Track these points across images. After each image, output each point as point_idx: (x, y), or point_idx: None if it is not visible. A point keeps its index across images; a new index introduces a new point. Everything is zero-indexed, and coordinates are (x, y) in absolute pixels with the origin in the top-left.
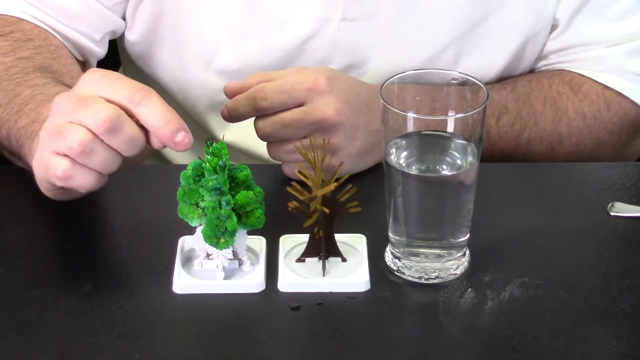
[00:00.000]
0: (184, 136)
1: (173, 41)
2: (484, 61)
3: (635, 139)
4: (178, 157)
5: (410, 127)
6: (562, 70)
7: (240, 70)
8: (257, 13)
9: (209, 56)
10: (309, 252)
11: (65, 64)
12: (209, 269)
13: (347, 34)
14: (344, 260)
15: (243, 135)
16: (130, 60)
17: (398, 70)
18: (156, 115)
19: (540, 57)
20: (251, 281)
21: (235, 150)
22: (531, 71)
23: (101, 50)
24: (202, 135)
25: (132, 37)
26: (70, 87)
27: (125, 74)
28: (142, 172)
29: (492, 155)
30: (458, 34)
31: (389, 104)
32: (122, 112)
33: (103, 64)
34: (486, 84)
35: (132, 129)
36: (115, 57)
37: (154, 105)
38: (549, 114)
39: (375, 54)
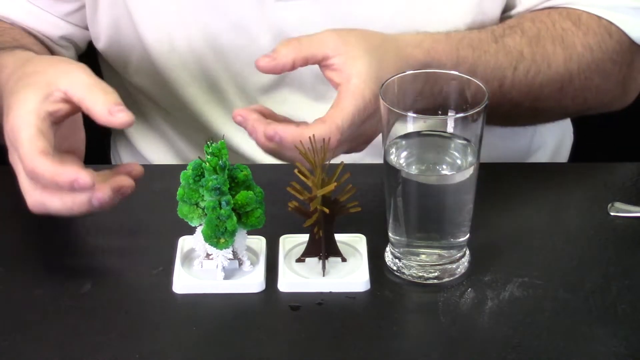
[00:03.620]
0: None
1: (138, 45)
2: (442, 24)
3: (632, 69)
4: (191, 145)
5: (410, 127)
6: (555, 7)
7: (204, 54)
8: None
9: (169, 49)
10: (309, 252)
11: (10, 36)
12: (209, 269)
13: (287, 15)
14: (344, 260)
15: (240, 135)
16: (111, 70)
17: None
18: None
19: (525, 8)
20: (251, 281)
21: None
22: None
23: (64, 51)
24: (200, 130)
25: (101, 47)
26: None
27: (108, 82)
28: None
29: (499, 105)
30: (407, 1)
31: (389, 104)
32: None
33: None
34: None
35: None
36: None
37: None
38: (560, 53)
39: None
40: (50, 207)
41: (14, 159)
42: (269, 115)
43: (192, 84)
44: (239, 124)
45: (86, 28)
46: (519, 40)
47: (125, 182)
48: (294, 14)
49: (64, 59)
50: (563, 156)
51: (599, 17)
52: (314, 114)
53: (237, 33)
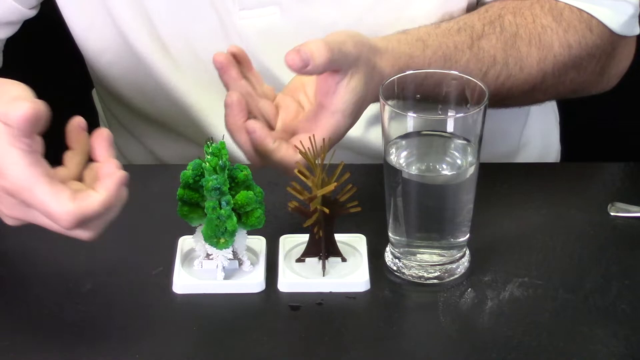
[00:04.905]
0: None
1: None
2: (409, 24)
3: (613, 59)
4: (177, 157)
5: (410, 127)
6: None
7: (182, 62)
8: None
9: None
10: (309, 252)
11: None
12: (209, 269)
13: (251, 24)
14: (344, 260)
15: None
16: (100, 83)
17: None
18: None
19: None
20: (251, 281)
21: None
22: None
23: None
24: (182, 141)
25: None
26: None
27: (98, 90)
28: (142, 172)
29: None
30: (371, 2)
31: (389, 104)
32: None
33: (76, 87)
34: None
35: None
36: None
37: None
38: (535, 54)
39: (296, 38)
40: (108, 222)
41: (25, 215)
42: (245, 61)
43: (178, 81)
44: (217, 70)
45: (30, 7)
46: (494, 42)
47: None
48: (259, 23)
49: None
50: (553, 149)
51: (581, 11)
52: None
53: (210, 41)
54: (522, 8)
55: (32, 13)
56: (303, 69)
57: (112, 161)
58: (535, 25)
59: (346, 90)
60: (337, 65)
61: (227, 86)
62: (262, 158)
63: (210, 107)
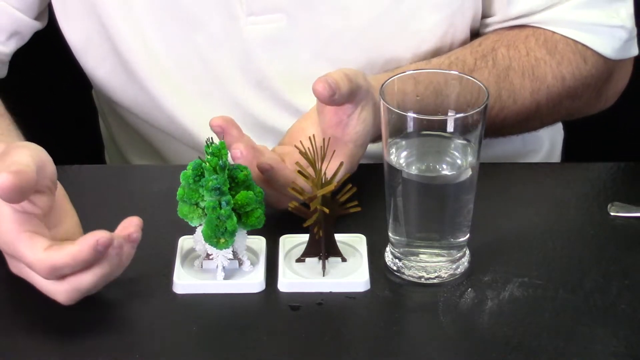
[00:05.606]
0: None
1: (112, 56)
2: (413, 35)
3: (609, 82)
4: (178, 158)
5: (410, 127)
6: (535, 29)
7: (183, 67)
8: (173, 13)
9: (147, 61)
10: (309, 252)
11: None
12: (209, 269)
13: (259, 30)
14: (344, 260)
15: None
16: (104, 103)
17: (331, 58)
18: None
19: (493, 26)
20: (251, 281)
21: None
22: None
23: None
24: (186, 142)
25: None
26: None
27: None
28: (142, 172)
29: None
30: (378, 13)
31: (389, 104)
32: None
33: (76, 87)
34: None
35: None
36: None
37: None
38: (528, 86)
39: (300, 47)
40: (84, 287)
41: (19, 269)
42: (236, 127)
43: (172, 96)
44: (217, 134)
45: (33, 17)
46: (487, 75)
47: (131, 227)
48: (265, 30)
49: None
50: (556, 155)
51: (576, 42)
52: (286, 124)
53: (214, 47)
54: (517, 41)
55: (39, 25)
56: (331, 98)
57: (115, 235)
58: (528, 58)
59: (357, 121)
60: (353, 95)
61: (230, 146)
62: (282, 192)
63: (202, 119)
